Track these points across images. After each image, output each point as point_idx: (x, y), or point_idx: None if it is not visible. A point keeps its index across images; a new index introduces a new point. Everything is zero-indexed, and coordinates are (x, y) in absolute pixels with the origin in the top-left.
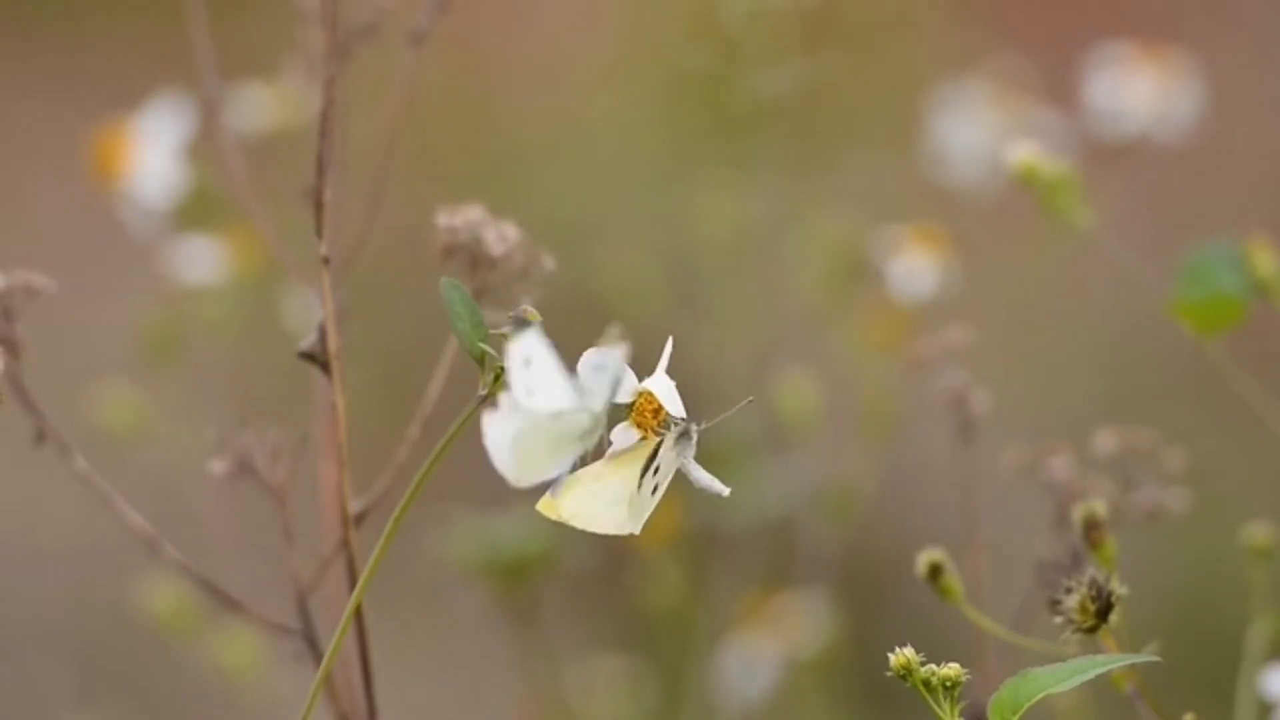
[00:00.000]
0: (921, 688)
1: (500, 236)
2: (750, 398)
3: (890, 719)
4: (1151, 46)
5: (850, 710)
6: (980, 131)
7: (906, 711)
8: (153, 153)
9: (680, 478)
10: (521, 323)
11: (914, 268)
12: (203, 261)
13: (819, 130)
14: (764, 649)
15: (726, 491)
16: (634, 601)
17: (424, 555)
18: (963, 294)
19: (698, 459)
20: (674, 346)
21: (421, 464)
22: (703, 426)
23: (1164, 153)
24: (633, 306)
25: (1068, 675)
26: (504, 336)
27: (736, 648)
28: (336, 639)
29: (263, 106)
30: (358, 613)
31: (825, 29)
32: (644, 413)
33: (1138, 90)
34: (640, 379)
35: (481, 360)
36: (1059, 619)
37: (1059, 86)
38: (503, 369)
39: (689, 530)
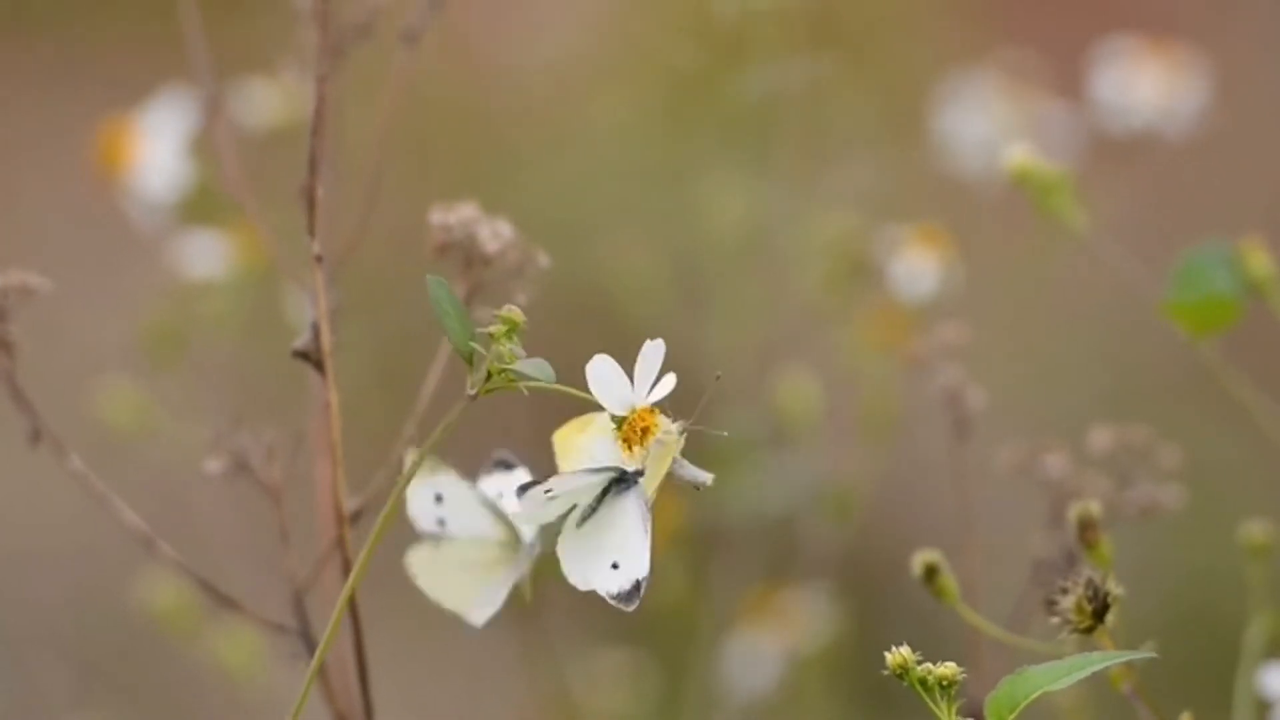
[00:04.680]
0: (918, 686)
1: (494, 234)
2: (719, 373)
3: (891, 715)
4: (1158, 42)
5: (851, 706)
6: (988, 123)
7: (907, 708)
8: (157, 147)
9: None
10: (507, 321)
11: (915, 267)
12: (206, 257)
13: (820, 128)
14: (766, 645)
15: (709, 479)
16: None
17: None
18: (964, 293)
19: (698, 458)
20: (676, 345)
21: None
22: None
23: (1170, 148)
24: (634, 305)
25: (1064, 673)
26: (492, 336)
27: (739, 644)
28: (329, 631)
29: (260, 104)
30: (353, 610)
31: (827, 27)
32: (635, 429)
33: (1144, 85)
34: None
35: (470, 359)
36: (1055, 620)
37: (1062, 85)
38: (499, 370)
39: (691, 527)
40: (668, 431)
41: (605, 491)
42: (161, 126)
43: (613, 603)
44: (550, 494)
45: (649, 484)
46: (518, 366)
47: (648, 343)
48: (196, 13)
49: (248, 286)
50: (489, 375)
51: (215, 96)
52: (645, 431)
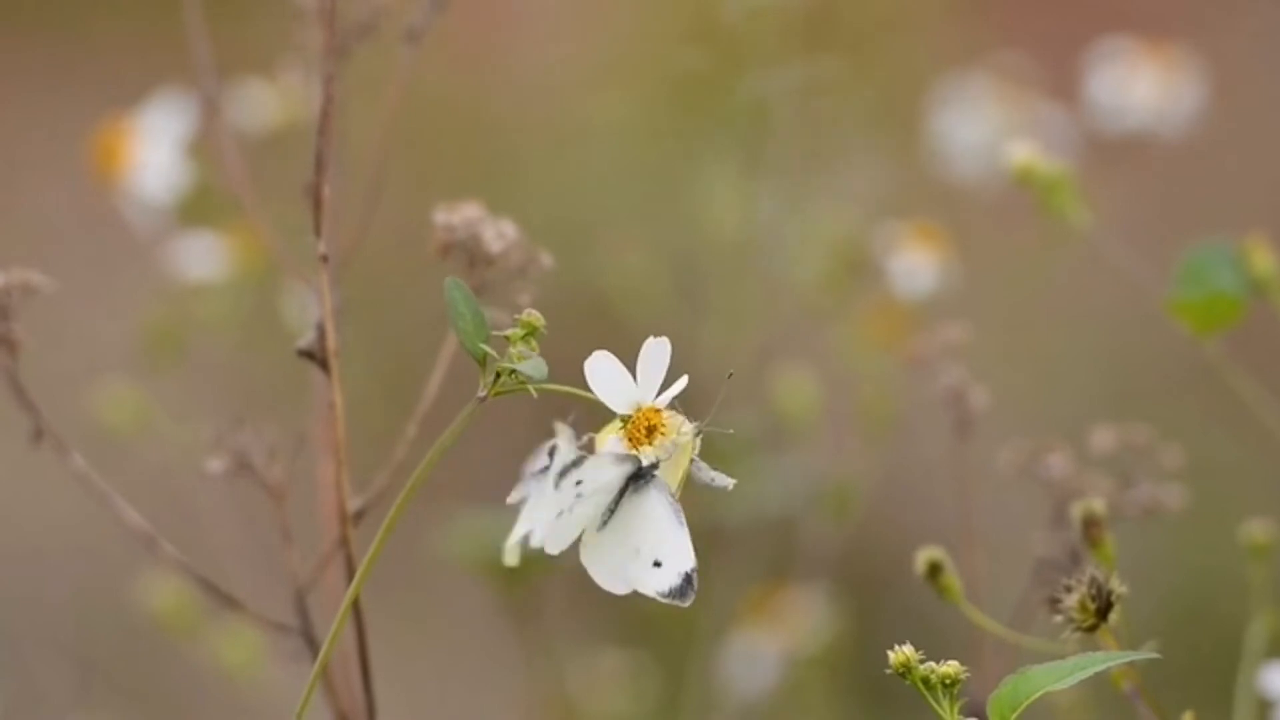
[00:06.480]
0: (920, 685)
1: (498, 234)
2: (731, 371)
3: (891, 716)
4: (1154, 42)
5: (851, 707)
6: (983, 127)
7: (907, 708)
8: (155, 148)
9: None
10: (525, 325)
11: (914, 265)
12: (204, 258)
13: (819, 128)
14: (766, 645)
15: (731, 484)
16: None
17: (425, 553)
18: (963, 292)
19: (701, 456)
20: (675, 344)
21: (420, 462)
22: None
23: (1170, 148)
24: (634, 305)
25: (1067, 673)
26: (506, 338)
27: (739, 644)
28: (333, 632)
29: (262, 104)
30: (356, 610)
31: (825, 27)
32: (639, 428)
33: (1141, 86)
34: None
35: (483, 361)
36: (1059, 618)
37: (1058, 84)
38: (509, 371)
39: (690, 527)
40: (683, 432)
41: (622, 491)
42: (159, 128)
43: (665, 601)
44: (580, 487)
45: (669, 486)
46: (518, 367)
47: (650, 339)
48: (197, 13)
49: (247, 287)
50: (498, 376)
51: (214, 97)
52: (651, 431)
